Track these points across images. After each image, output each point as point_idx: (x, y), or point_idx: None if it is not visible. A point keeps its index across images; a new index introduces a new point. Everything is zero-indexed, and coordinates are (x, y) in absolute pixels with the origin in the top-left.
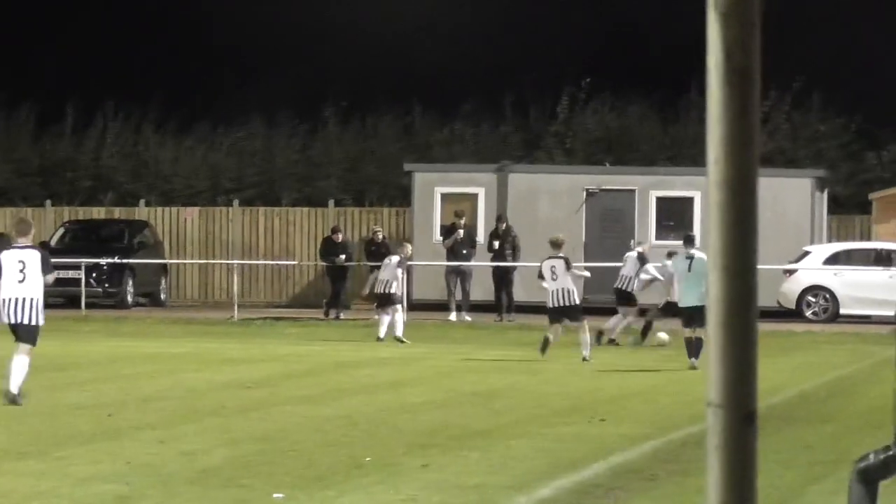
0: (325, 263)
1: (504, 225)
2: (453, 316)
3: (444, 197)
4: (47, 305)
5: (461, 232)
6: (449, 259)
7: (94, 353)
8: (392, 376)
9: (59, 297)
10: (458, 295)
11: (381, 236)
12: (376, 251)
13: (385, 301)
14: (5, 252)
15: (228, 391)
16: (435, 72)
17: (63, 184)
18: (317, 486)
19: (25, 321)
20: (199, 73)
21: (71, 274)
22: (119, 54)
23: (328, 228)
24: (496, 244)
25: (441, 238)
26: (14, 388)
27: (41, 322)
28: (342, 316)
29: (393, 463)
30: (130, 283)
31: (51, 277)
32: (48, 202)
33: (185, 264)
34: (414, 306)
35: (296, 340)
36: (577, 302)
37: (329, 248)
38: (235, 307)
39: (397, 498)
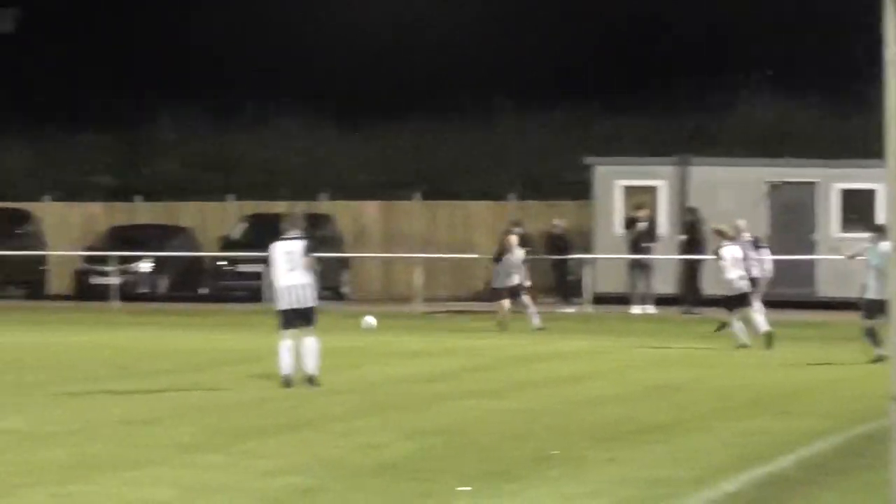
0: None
1: (693, 217)
2: (636, 309)
3: (625, 190)
4: (231, 300)
5: (642, 225)
6: (630, 252)
7: (272, 345)
8: (574, 369)
9: (243, 291)
10: (641, 288)
11: (560, 229)
12: (556, 244)
13: (515, 293)
14: (276, 244)
15: (411, 384)
16: (611, 64)
17: (244, 178)
18: (501, 479)
19: (304, 304)
20: (374, 66)
21: (253, 268)
22: (296, 49)
23: (508, 222)
24: (684, 237)
25: (622, 231)
26: (314, 369)
27: (316, 303)
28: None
29: (577, 456)
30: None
31: (309, 264)
32: (230, 196)
33: (366, 258)
34: (597, 299)
35: (477, 334)
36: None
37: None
38: (417, 301)
39: (583, 491)
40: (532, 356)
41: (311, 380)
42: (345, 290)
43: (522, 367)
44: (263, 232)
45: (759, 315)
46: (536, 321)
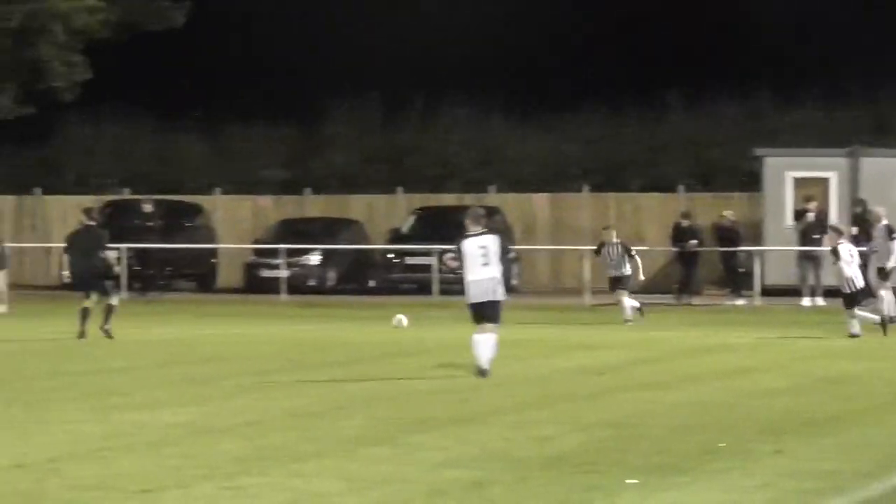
0: (675, 249)
1: (861, 209)
2: (806, 301)
3: (795, 182)
4: (400, 293)
5: (811, 216)
6: (800, 244)
7: (446, 338)
8: (743, 362)
9: (411, 284)
10: (811, 280)
11: (730, 221)
12: (725, 236)
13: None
14: (467, 239)
15: (579, 377)
16: (781, 55)
17: (413, 171)
18: (669, 472)
19: (492, 298)
20: (544, 58)
21: (422, 260)
22: (466, 42)
23: (678, 213)
24: (854, 230)
25: (792, 223)
26: (485, 363)
27: (504, 298)
28: (694, 301)
29: (745, 449)
30: None
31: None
32: (399, 189)
33: (535, 250)
34: (767, 291)
35: (647, 326)
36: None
37: (679, 233)
38: (586, 293)
39: (751, 484)
40: (700, 348)
41: (481, 372)
42: (514, 282)
43: (690, 359)
44: (432, 225)
45: (884, 303)
46: (628, 314)
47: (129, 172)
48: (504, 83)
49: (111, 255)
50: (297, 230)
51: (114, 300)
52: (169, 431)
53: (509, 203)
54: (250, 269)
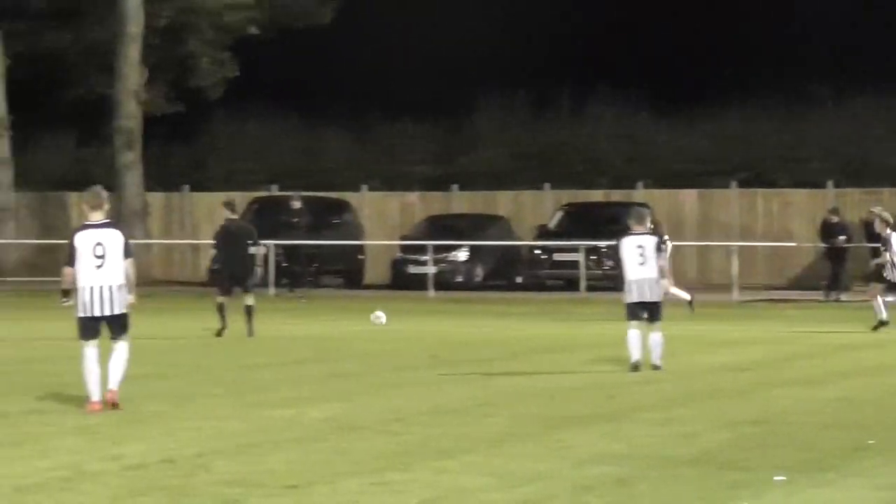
0: (824, 245)
1: None
2: None
3: None
4: (547, 289)
5: None
6: None
7: (592, 335)
8: (893, 359)
9: (559, 280)
10: None
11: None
12: (875, 232)
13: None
14: (627, 238)
15: (726, 373)
16: None
17: (560, 167)
18: (816, 469)
19: (652, 298)
20: (690, 54)
21: (569, 257)
22: (609, 38)
23: (826, 210)
24: None
25: None
26: (657, 359)
27: (662, 299)
28: (842, 298)
29: (895, 447)
30: None
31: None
32: (547, 185)
33: (682, 246)
34: None
35: (794, 322)
36: None
37: (828, 229)
38: (734, 289)
39: None
40: (849, 345)
41: (655, 367)
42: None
43: (840, 355)
44: (580, 221)
45: None
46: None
47: (276, 169)
48: (652, 79)
49: (259, 250)
50: (445, 226)
51: (250, 299)
52: (315, 427)
53: (657, 199)
54: (397, 266)
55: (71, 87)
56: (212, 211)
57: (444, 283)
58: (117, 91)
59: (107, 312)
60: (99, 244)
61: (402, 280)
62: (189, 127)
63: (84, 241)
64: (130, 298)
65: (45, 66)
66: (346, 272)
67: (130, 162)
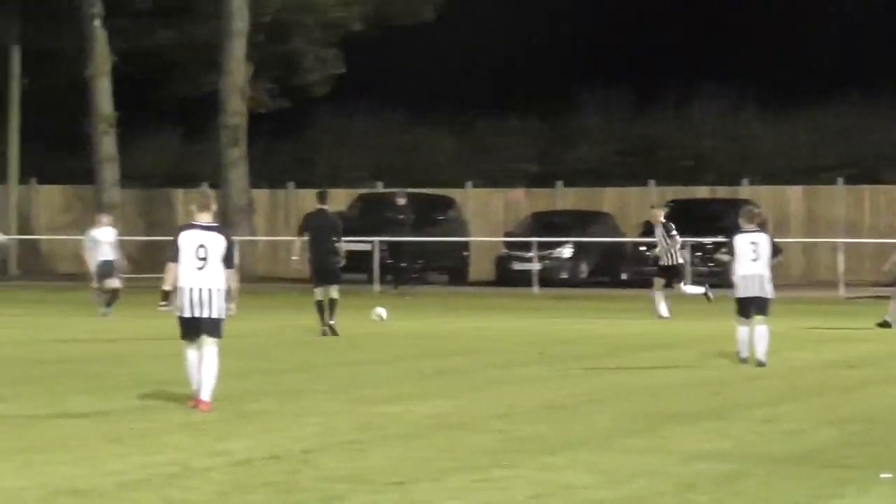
0: None
1: None
2: None
3: None
4: (650, 285)
5: None
6: None
7: (698, 331)
8: None
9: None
10: None
11: None
12: None
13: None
14: (739, 235)
15: (832, 370)
16: None
17: (665, 163)
18: None
19: (760, 294)
20: (795, 50)
21: None
22: (714, 34)
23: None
24: None
25: None
26: (762, 355)
27: (772, 295)
28: None
29: None
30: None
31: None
32: (651, 181)
33: (788, 243)
34: None
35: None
36: None
37: None
38: (840, 286)
39: None
40: None
41: (759, 364)
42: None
43: None
44: (684, 218)
45: None
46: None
47: (381, 166)
48: (757, 74)
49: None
50: (549, 223)
51: (335, 292)
52: (420, 424)
53: (762, 196)
54: (502, 262)
55: (176, 84)
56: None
57: (548, 279)
58: (223, 88)
59: (204, 315)
60: (202, 246)
61: (506, 277)
62: (294, 123)
63: (188, 241)
64: (231, 308)
65: (151, 64)
66: (451, 269)
67: (236, 158)
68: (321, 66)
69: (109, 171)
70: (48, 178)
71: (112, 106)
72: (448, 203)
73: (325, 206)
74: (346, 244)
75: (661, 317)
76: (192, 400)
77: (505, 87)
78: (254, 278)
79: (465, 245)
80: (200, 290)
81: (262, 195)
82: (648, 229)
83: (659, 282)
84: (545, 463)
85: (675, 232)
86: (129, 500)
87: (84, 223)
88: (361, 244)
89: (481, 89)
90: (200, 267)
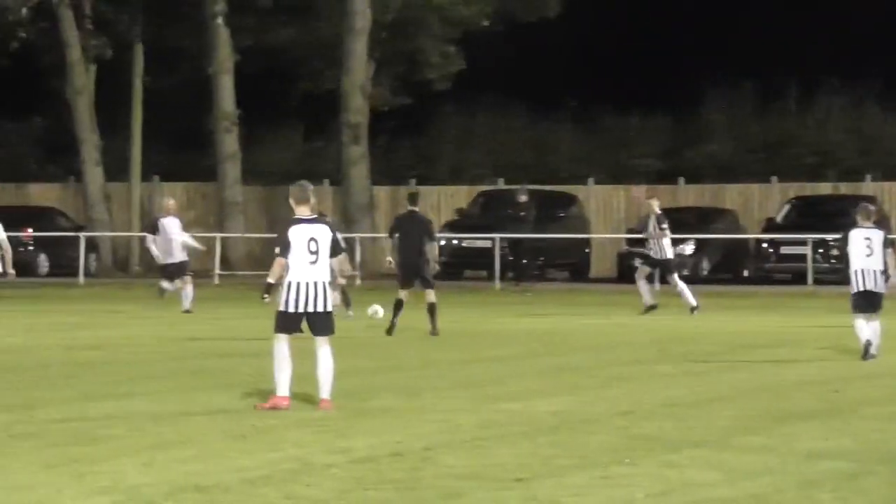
0: None
1: None
2: None
3: None
4: (774, 282)
5: None
6: None
7: (818, 329)
8: None
9: (786, 274)
10: None
11: None
12: None
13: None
14: (854, 230)
15: None
16: None
17: (788, 160)
18: None
19: (875, 289)
20: None
21: (797, 250)
22: (836, 29)
23: None
24: None
25: None
26: (875, 349)
27: (885, 290)
28: None
29: None
30: None
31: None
32: (774, 178)
33: None
34: None
35: None
36: None
37: None
38: None
39: None
40: None
41: (867, 354)
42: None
43: None
44: (807, 215)
45: None
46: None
47: (503, 162)
48: (881, 69)
49: (433, 248)
50: (671, 219)
51: (432, 296)
52: (542, 421)
53: (886, 192)
54: (623, 259)
55: (298, 81)
56: (439, 204)
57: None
58: (344, 86)
59: (313, 309)
60: (313, 239)
61: (628, 273)
62: (416, 120)
63: (298, 236)
64: (335, 296)
65: (273, 62)
66: (572, 265)
67: (357, 156)
68: (443, 63)
69: (231, 169)
70: (171, 175)
71: (234, 104)
72: (570, 200)
73: (415, 209)
74: (468, 240)
75: (648, 306)
76: (276, 397)
77: (628, 82)
78: (376, 275)
79: (587, 241)
80: (314, 284)
81: (382, 192)
82: (771, 225)
83: (644, 269)
84: (666, 460)
85: (665, 225)
86: (252, 496)
87: (206, 221)
88: (482, 241)
89: (604, 85)
90: (313, 261)
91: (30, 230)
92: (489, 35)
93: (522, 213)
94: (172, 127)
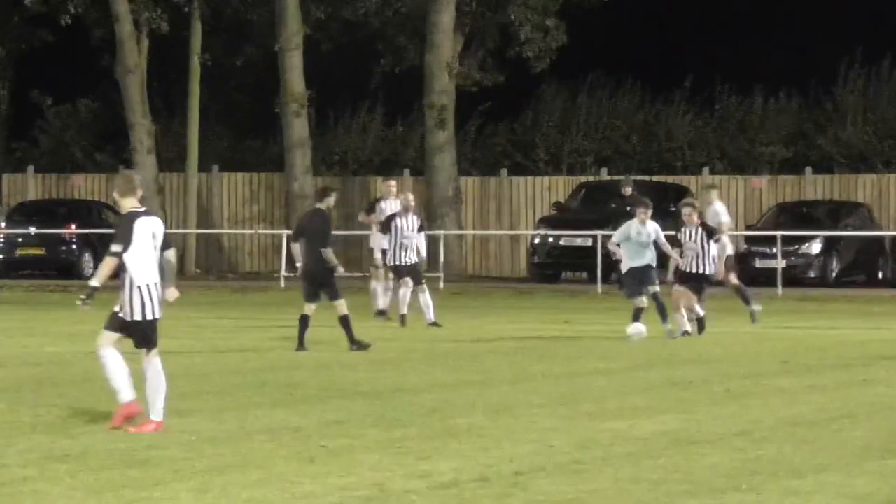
0: None
1: None
2: None
3: None
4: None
5: None
6: None
7: None
8: None
9: None
10: None
11: None
12: None
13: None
14: None
15: None
16: None
17: None
18: None
19: None
20: None
21: None
22: None
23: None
24: None
25: None
26: None
27: None
28: None
29: None
30: None
31: None
32: None
33: None
34: None
35: None
36: None
37: None
38: None
39: None
40: None
41: None
42: None
43: None
44: None
45: None
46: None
47: (608, 150)
48: None
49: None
50: (797, 214)
51: (343, 307)
52: (649, 442)
53: None
54: (742, 259)
55: (377, 59)
56: (534, 197)
57: (794, 278)
58: (428, 63)
59: (159, 314)
60: (154, 235)
61: (747, 275)
62: (509, 103)
63: (142, 231)
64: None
65: (349, 36)
66: None
67: (442, 143)
68: (541, 39)
69: (300, 157)
70: (232, 165)
71: (304, 84)
72: (682, 192)
73: (321, 206)
74: (566, 238)
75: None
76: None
77: (751, 59)
78: (462, 276)
79: None
80: (157, 285)
81: (470, 183)
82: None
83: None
84: (789, 487)
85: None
86: None
87: (271, 215)
88: (582, 239)
89: (724, 63)
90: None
91: (73, 226)
92: (594, 6)
93: (628, 208)
94: (234, 111)
